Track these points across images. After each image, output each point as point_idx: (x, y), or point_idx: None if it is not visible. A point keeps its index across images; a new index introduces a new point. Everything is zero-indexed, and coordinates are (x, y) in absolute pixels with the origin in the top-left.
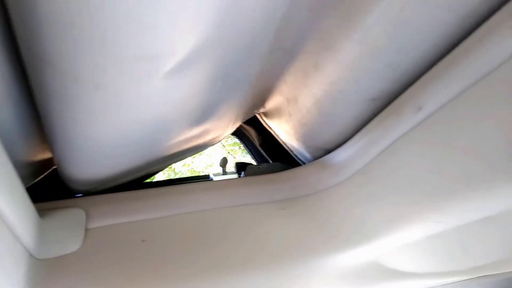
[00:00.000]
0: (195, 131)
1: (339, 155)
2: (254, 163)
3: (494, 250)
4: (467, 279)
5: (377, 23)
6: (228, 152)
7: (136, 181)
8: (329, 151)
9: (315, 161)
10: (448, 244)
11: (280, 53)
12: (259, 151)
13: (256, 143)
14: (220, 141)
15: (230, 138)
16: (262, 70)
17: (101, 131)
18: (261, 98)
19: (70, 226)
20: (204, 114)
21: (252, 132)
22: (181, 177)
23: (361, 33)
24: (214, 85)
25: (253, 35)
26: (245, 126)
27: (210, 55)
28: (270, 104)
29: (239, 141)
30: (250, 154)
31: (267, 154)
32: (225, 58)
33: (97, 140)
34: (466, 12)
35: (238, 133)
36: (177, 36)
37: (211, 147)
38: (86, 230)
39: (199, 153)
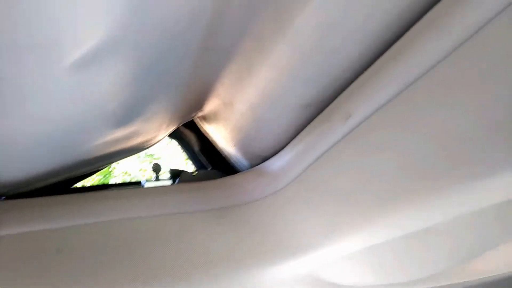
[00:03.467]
0: (121, 132)
1: (275, 162)
2: (194, 169)
3: (432, 263)
4: None
5: (306, 25)
6: None
7: (63, 185)
8: (266, 158)
9: (251, 169)
10: (384, 257)
11: (215, 53)
12: (197, 157)
13: (195, 148)
14: (154, 144)
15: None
16: (196, 71)
17: (6, 127)
18: (199, 101)
19: None
20: (128, 114)
21: (191, 137)
22: (111, 183)
23: (291, 35)
24: (137, 84)
25: (178, 31)
26: (185, 130)
27: (127, 50)
28: (208, 108)
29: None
30: (189, 160)
31: (206, 161)
32: (146, 55)
33: (2, 138)
34: (392, 17)
35: (177, 137)
36: (80, 24)
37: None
38: None
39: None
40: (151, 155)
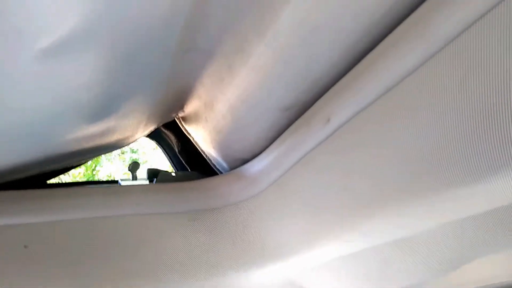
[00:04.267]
0: (96, 128)
1: (254, 166)
2: (173, 170)
3: (410, 273)
4: None
5: (286, 26)
6: None
7: (37, 180)
8: (245, 161)
9: (230, 172)
10: (364, 265)
11: (195, 53)
12: (178, 158)
13: (176, 149)
14: (131, 142)
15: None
16: (176, 69)
17: None
18: (179, 101)
19: None
20: (103, 109)
21: (172, 138)
22: (86, 180)
23: (272, 36)
24: (111, 78)
25: (155, 27)
26: (165, 130)
27: (100, 42)
28: (189, 108)
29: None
30: (169, 161)
31: (186, 162)
32: (121, 49)
33: None
34: (372, 21)
35: (157, 138)
36: (48, 12)
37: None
38: None
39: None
40: (137, 160)
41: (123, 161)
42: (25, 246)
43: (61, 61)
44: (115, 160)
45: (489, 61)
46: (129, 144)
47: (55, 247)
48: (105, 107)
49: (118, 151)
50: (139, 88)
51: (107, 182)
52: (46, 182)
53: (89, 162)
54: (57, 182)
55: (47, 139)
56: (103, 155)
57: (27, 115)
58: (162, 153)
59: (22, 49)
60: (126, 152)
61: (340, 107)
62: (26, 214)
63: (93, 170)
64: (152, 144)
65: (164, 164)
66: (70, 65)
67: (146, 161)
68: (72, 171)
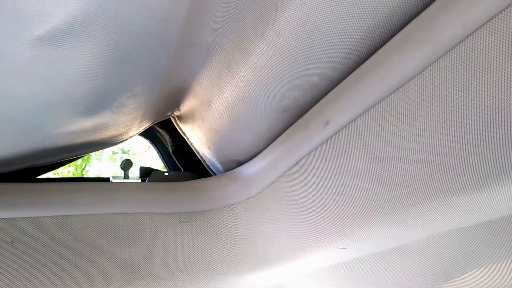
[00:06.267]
0: (90, 122)
1: (249, 168)
2: (167, 169)
3: (402, 284)
4: None
5: (288, 24)
6: None
7: (27, 175)
8: (240, 163)
9: (225, 173)
10: (354, 274)
11: (194, 50)
12: (171, 157)
13: (170, 148)
14: (125, 140)
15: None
16: (174, 66)
17: None
18: (175, 98)
19: None
20: (97, 103)
21: (166, 137)
22: (77, 176)
23: (273, 35)
24: (107, 71)
25: (155, 21)
26: (159, 129)
27: (97, 34)
28: (185, 107)
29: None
30: (162, 160)
31: (180, 162)
32: (119, 42)
33: None
34: (374, 23)
35: (151, 136)
36: None
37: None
38: None
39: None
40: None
41: (114, 161)
42: (12, 242)
43: (57, 49)
44: (106, 161)
45: (492, 67)
46: (122, 141)
47: (42, 244)
48: (100, 100)
49: (109, 152)
50: (136, 83)
51: (98, 179)
52: (35, 177)
53: (79, 162)
54: (47, 177)
55: (40, 131)
56: (93, 155)
57: (21, 103)
58: (155, 154)
59: (19, 33)
60: (117, 152)
61: (340, 110)
62: (13, 208)
63: (83, 169)
64: (144, 146)
65: (155, 166)
66: (67, 53)
67: (136, 164)
68: (62, 170)
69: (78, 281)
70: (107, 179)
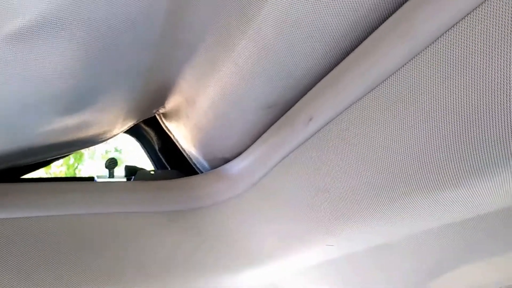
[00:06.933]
0: (71, 120)
1: (235, 165)
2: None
3: (391, 281)
4: None
5: (268, 19)
6: None
7: (9, 175)
8: (226, 160)
9: (211, 171)
10: (345, 270)
11: (177, 46)
12: (158, 155)
13: (156, 146)
14: (110, 138)
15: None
16: (157, 63)
17: None
18: (160, 96)
19: None
20: (78, 101)
21: (152, 135)
22: (61, 176)
23: (254, 30)
24: (87, 69)
25: (134, 17)
26: (145, 127)
27: (74, 30)
28: (170, 104)
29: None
30: (149, 159)
31: (166, 161)
32: (97, 39)
33: None
34: (355, 18)
35: (137, 134)
36: None
37: None
38: None
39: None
40: (120, 159)
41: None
42: None
43: (31, 47)
44: (98, 159)
45: (473, 61)
46: (107, 139)
47: (27, 245)
48: (81, 99)
49: (102, 151)
50: (118, 82)
51: (83, 179)
52: (19, 177)
53: (72, 161)
54: (31, 177)
55: (20, 130)
56: (86, 154)
57: (3, 104)
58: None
59: None
60: (110, 151)
61: (323, 106)
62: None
63: (75, 169)
64: (137, 144)
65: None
66: (41, 51)
67: (126, 161)
68: (54, 169)
69: (61, 282)
70: (91, 178)
